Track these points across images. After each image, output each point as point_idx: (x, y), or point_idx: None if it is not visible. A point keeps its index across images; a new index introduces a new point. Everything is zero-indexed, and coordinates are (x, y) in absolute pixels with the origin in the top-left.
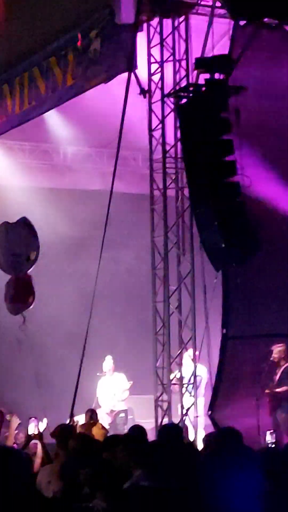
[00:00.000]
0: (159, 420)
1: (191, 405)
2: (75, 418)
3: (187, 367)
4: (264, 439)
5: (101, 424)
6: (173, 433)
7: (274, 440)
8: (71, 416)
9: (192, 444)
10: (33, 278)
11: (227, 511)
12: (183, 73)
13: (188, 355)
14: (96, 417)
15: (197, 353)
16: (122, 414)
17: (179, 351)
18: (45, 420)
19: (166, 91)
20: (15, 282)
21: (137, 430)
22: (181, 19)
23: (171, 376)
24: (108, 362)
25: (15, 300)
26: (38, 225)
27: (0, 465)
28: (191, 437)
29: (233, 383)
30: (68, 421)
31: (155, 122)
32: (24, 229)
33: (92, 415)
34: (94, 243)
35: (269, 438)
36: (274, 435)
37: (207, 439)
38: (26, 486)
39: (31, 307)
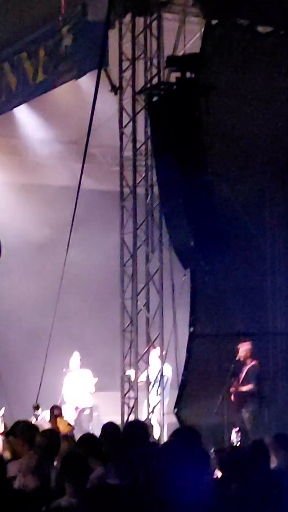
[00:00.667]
0: (125, 418)
1: (157, 403)
2: (40, 413)
3: (154, 365)
4: (229, 437)
5: (67, 421)
6: (139, 430)
7: (239, 439)
8: (35, 410)
9: (157, 443)
10: None
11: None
12: (154, 71)
13: (155, 353)
14: (61, 413)
15: (164, 352)
16: (87, 411)
17: (146, 349)
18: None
19: (137, 88)
20: None
21: (112, 428)
22: (154, 17)
23: (138, 374)
24: (75, 358)
25: None
26: (5, 220)
27: None
28: (156, 435)
29: (199, 381)
30: (32, 417)
31: (125, 119)
32: None
33: (56, 411)
34: (62, 239)
35: (235, 436)
36: (239, 433)
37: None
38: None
39: None
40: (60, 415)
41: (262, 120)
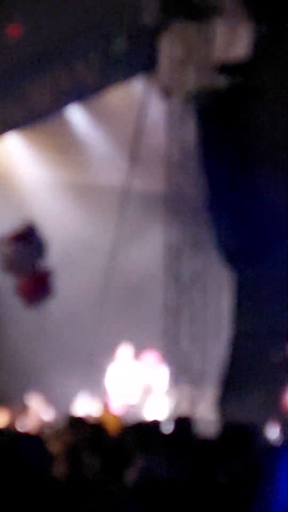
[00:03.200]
0: (170, 412)
1: (200, 399)
2: (86, 406)
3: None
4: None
5: (116, 415)
6: (186, 424)
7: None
8: (80, 404)
9: (206, 436)
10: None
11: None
12: (204, 75)
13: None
14: (110, 408)
15: None
16: (133, 406)
17: (189, 346)
18: None
19: (187, 91)
20: (27, 279)
21: (155, 422)
22: (205, 21)
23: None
24: (125, 350)
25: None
26: (55, 220)
27: (12, 450)
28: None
29: (240, 378)
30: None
31: (174, 122)
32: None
33: (106, 403)
34: (110, 238)
35: (274, 434)
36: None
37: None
38: (42, 471)
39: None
40: (110, 409)
41: None
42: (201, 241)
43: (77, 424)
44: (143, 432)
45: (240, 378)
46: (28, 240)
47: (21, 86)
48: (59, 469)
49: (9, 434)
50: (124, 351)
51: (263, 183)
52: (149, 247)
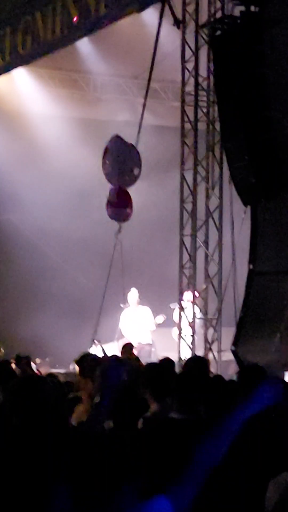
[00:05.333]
0: (182, 354)
1: (215, 340)
2: (101, 346)
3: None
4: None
5: (137, 357)
6: (199, 365)
7: None
8: (93, 342)
9: (219, 376)
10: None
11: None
12: (218, 4)
13: (187, 297)
14: (131, 350)
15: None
16: (147, 348)
17: (205, 286)
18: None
19: (201, 22)
20: (118, 190)
21: (169, 363)
22: None
23: (196, 311)
24: (133, 294)
25: (117, 206)
26: (65, 154)
27: (29, 392)
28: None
29: (258, 319)
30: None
31: (188, 54)
32: (131, 146)
33: (130, 349)
34: None
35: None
36: None
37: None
38: (59, 414)
39: (127, 219)
40: (132, 352)
41: None
42: (216, 177)
43: (93, 362)
44: (157, 372)
45: (258, 319)
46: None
47: (32, 18)
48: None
49: (33, 377)
50: (134, 295)
51: (279, 116)
52: (164, 183)
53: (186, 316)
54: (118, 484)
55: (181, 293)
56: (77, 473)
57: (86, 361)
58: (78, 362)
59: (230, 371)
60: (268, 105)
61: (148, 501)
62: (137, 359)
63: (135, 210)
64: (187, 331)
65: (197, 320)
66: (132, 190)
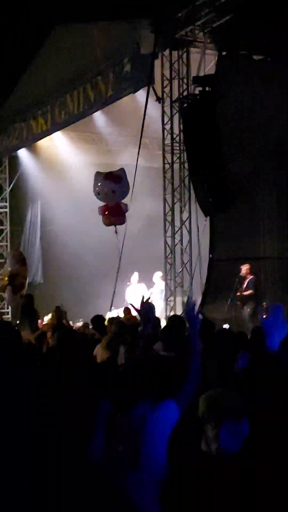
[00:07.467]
0: (169, 313)
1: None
2: (114, 311)
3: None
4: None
5: (135, 317)
6: (178, 320)
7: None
8: (111, 308)
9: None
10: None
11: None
12: (185, 86)
13: (158, 275)
14: (131, 312)
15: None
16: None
17: (181, 269)
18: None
19: (174, 98)
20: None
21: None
22: (184, 50)
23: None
24: (135, 276)
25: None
26: (87, 188)
27: (69, 342)
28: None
29: (215, 290)
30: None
31: (166, 119)
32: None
33: (128, 311)
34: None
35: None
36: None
37: None
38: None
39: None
40: (130, 313)
41: (260, 119)
42: (187, 198)
43: (113, 320)
44: (151, 324)
45: (216, 288)
46: (119, 180)
47: (64, 99)
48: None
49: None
50: (135, 277)
51: (226, 160)
52: (154, 203)
53: (170, 290)
54: (139, 396)
55: (166, 274)
56: (115, 391)
57: (99, 319)
58: (92, 320)
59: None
60: (218, 154)
61: (162, 403)
62: (135, 318)
63: (136, 219)
64: (170, 298)
65: (177, 291)
66: (132, 207)
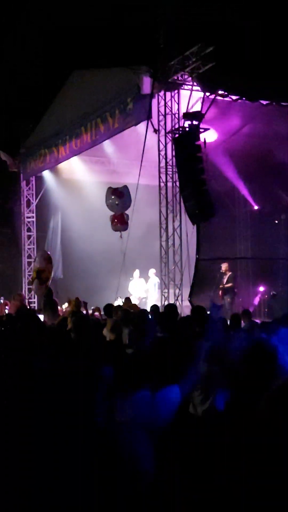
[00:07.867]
0: (164, 302)
1: (179, 295)
2: (119, 300)
3: (152, 277)
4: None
5: (135, 304)
6: (172, 308)
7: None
8: (116, 298)
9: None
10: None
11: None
12: (176, 120)
13: (152, 271)
14: (130, 301)
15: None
16: (144, 300)
17: (173, 267)
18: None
19: (168, 130)
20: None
21: (155, 306)
22: (175, 91)
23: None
24: (136, 272)
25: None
26: (95, 204)
27: (84, 325)
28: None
29: (201, 283)
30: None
31: (161, 146)
32: (124, 193)
33: (129, 300)
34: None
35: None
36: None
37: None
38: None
39: (125, 230)
40: (130, 302)
41: (237, 146)
42: (178, 210)
43: (118, 308)
44: (151, 310)
45: (202, 282)
46: (122, 195)
47: (79, 130)
48: (110, 336)
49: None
50: (137, 273)
51: (208, 179)
52: (152, 214)
53: (164, 283)
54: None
55: (161, 271)
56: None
57: (109, 307)
58: (104, 308)
59: (187, 311)
60: (203, 173)
61: (165, 388)
62: (135, 306)
63: (137, 226)
64: (165, 290)
65: (170, 284)
66: (135, 216)
